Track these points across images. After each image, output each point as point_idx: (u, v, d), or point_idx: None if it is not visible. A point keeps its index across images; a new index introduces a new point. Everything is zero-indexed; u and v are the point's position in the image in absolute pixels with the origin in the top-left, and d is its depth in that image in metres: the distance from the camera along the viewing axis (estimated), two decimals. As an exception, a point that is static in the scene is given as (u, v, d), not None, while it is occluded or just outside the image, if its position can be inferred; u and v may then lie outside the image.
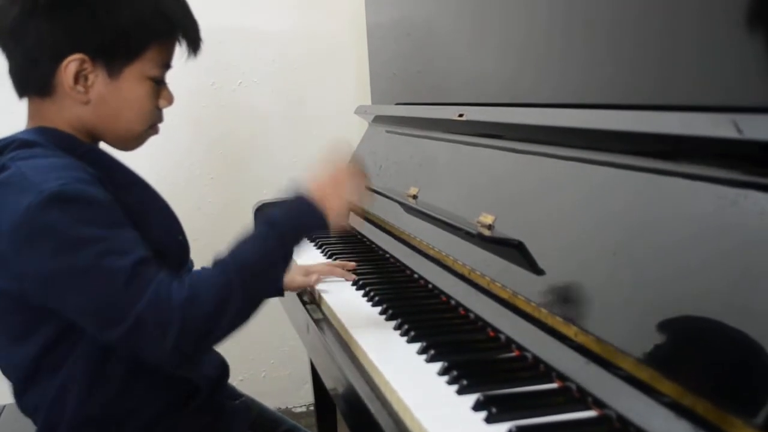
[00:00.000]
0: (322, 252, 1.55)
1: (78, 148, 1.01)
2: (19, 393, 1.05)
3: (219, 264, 0.96)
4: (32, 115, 1.05)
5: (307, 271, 1.34)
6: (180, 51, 1.08)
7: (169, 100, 1.09)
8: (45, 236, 0.89)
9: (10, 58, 1.03)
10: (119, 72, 1.02)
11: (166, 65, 1.07)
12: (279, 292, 1.06)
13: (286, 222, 1.00)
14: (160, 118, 1.10)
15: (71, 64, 0.98)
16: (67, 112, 1.02)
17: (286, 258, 1.00)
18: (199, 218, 2.43)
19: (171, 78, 1.10)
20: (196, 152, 2.44)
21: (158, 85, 1.06)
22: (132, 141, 1.09)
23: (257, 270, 0.96)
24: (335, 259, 1.44)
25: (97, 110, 1.02)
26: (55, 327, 0.98)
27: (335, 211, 1.01)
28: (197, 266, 1.30)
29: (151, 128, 1.09)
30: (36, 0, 0.98)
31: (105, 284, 0.88)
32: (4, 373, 1.06)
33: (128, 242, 0.92)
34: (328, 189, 1.02)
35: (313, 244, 1.65)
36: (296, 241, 1.00)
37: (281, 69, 2.48)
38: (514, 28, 1.27)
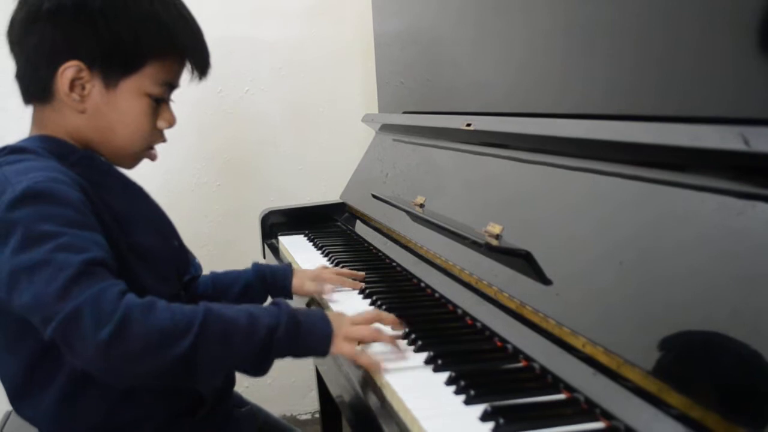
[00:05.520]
0: (329, 260, 1.56)
1: (72, 154, 1.02)
2: (15, 401, 1.04)
3: (198, 303, 0.91)
4: (34, 121, 1.06)
5: (317, 276, 1.32)
6: (187, 73, 1.08)
7: (170, 122, 1.08)
8: (11, 232, 0.88)
9: (17, 62, 1.04)
10: (116, 84, 1.02)
11: (168, 85, 1.06)
12: (254, 367, 0.94)
13: (295, 312, 0.95)
14: (159, 139, 1.10)
15: (67, 71, 0.99)
16: (66, 120, 1.03)
17: (270, 343, 0.91)
18: (205, 225, 2.43)
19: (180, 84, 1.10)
20: (203, 159, 2.45)
21: (158, 103, 1.06)
22: (127, 159, 1.09)
23: (230, 330, 0.89)
24: (342, 267, 1.43)
25: (92, 121, 1.03)
26: (41, 339, 0.94)
27: (339, 348, 0.95)
28: (205, 271, 1.31)
29: (147, 149, 1.09)
30: (40, 5, 0.99)
31: (52, 277, 0.84)
32: (2, 383, 1.06)
33: (89, 242, 0.89)
34: (350, 329, 0.96)
35: (320, 252, 1.65)
36: (290, 334, 0.92)
37: (288, 77, 2.49)
38: (522, 38, 1.27)
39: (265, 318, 0.92)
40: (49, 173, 0.94)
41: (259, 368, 0.93)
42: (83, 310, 0.83)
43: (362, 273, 1.35)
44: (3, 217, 0.90)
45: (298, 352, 0.95)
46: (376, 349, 0.99)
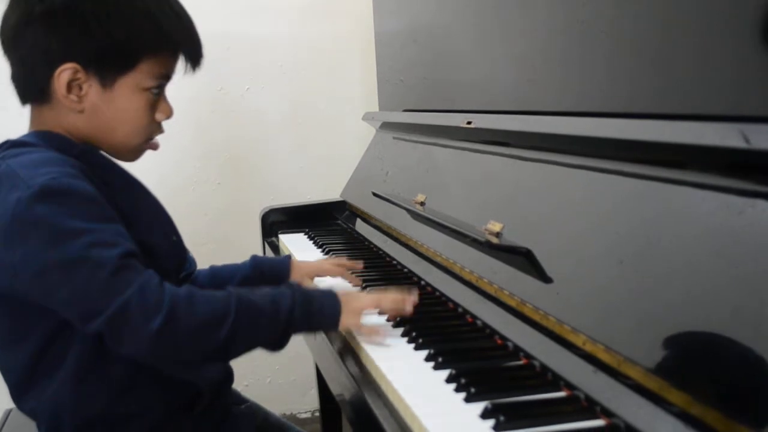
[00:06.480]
0: (328, 257, 1.55)
1: (72, 149, 1.02)
2: (16, 396, 1.05)
3: (227, 291, 0.97)
4: (33, 120, 1.06)
5: (316, 271, 1.33)
6: (181, 64, 1.08)
7: (167, 113, 1.09)
8: (34, 230, 0.90)
9: (12, 64, 1.04)
10: (112, 83, 1.02)
11: (164, 77, 1.07)
12: (274, 345, 1.02)
13: (307, 292, 1.03)
14: (158, 131, 1.10)
15: (64, 73, 0.99)
16: (65, 119, 1.03)
17: (288, 324, 0.99)
18: (205, 223, 2.43)
19: (178, 83, 1.10)
20: (203, 157, 2.44)
21: (155, 96, 1.06)
22: (128, 153, 1.09)
23: (258, 316, 0.97)
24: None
25: (92, 120, 1.03)
26: (47, 329, 0.98)
27: (345, 322, 1.04)
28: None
29: (148, 142, 1.10)
30: (33, 7, 0.99)
31: (92, 274, 0.89)
32: (4, 376, 1.06)
33: (116, 235, 0.93)
34: (355, 302, 1.05)
35: (320, 250, 1.65)
36: (304, 313, 1.00)
37: (289, 75, 2.48)
38: (522, 36, 1.27)
39: (284, 300, 0.99)
40: (62, 168, 0.95)
41: (278, 345, 1.01)
42: (131, 304, 0.89)
43: (361, 263, 1.35)
44: (24, 214, 0.91)
45: (311, 328, 1.06)
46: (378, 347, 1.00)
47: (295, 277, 1.30)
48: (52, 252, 0.89)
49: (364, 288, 1.29)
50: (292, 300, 0.99)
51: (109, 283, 0.89)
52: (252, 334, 0.97)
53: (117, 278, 0.89)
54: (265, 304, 0.98)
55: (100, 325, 0.89)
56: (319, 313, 1.02)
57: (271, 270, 1.30)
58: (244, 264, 1.30)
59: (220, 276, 1.28)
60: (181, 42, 1.07)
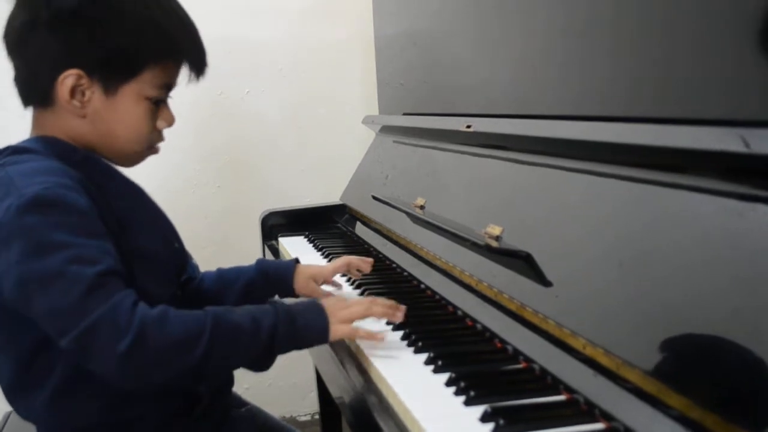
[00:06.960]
0: (329, 261, 1.55)
1: (74, 155, 1.02)
2: (12, 400, 1.05)
3: (205, 310, 0.95)
4: (34, 124, 1.06)
5: (318, 276, 1.30)
6: (185, 73, 1.08)
7: (169, 122, 1.09)
8: (20, 238, 0.90)
9: (15, 66, 1.04)
10: (115, 90, 1.02)
11: (167, 86, 1.07)
12: (258, 365, 0.99)
13: (291, 309, 0.99)
14: (159, 139, 1.10)
15: (68, 79, 0.99)
16: (66, 124, 1.03)
17: (272, 343, 0.96)
18: (205, 226, 2.43)
19: (179, 87, 1.10)
20: (203, 161, 2.45)
21: (157, 105, 1.06)
22: (129, 159, 1.09)
23: (237, 335, 0.94)
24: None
25: (93, 125, 1.03)
26: (34, 340, 0.97)
27: (336, 333, 1.00)
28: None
29: (150, 148, 1.10)
30: (39, 12, 0.99)
31: (68, 290, 0.87)
32: None
33: (100, 252, 0.91)
34: (343, 311, 1.02)
35: (320, 253, 1.65)
36: (289, 331, 0.97)
37: (289, 78, 2.49)
38: (522, 39, 1.27)
39: (266, 319, 0.96)
40: (57, 178, 0.94)
41: (262, 366, 0.98)
42: (100, 325, 0.87)
43: (371, 260, 1.33)
44: (11, 221, 0.90)
45: (300, 346, 1.00)
46: (377, 350, 1.00)
47: (300, 280, 1.28)
48: (33, 263, 0.89)
49: (362, 292, 1.28)
50: (275, 317, 0.96)
51: (81, 302, 0.87)
52: (231, 353, 0.94)
53: (90, 297, 0.87)
54: (245, 322, 0.95)
55: (69, 342, 0.87)
56: (304, 329, 0.99)
57: (276, 273, 1.28)
58: (249, 267, 1.30)
59: (226, 278, 1.28)
60: (186, 51, 1.07)
